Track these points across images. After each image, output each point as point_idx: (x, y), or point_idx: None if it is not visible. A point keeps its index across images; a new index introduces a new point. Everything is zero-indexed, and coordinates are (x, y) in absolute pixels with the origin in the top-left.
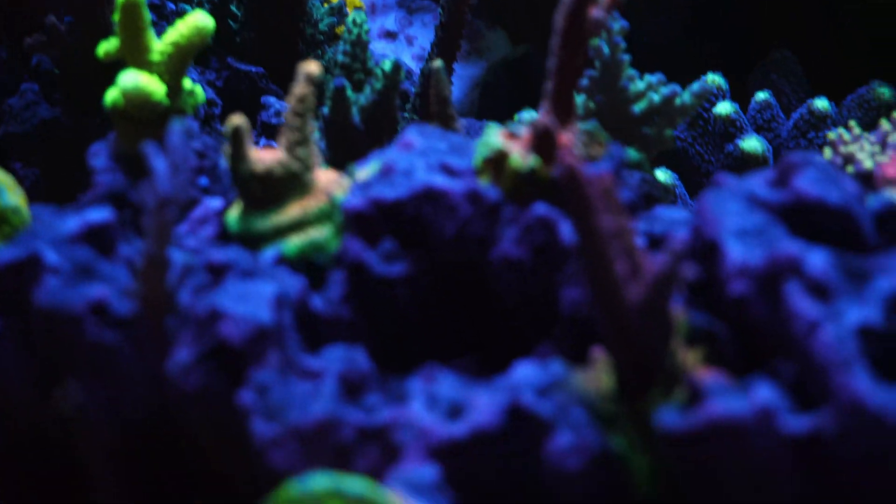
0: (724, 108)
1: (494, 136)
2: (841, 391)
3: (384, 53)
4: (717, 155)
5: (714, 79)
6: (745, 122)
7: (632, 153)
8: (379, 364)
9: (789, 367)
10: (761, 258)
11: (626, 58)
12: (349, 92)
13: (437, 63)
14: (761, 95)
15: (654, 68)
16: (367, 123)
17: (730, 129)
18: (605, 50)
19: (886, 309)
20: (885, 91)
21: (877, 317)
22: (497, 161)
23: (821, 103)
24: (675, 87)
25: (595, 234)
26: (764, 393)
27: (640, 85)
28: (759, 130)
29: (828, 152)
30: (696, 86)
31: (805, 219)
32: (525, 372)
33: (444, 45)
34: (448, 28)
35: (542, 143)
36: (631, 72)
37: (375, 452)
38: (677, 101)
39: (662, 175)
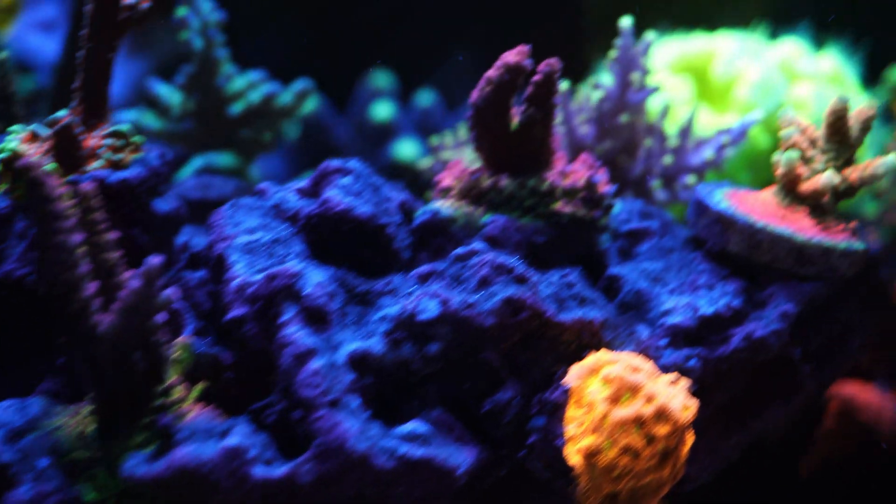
0: (382, 110)
1: (14, 139)
2: (324, 433)
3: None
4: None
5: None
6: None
7: (226, 158)
8: None
9: (282, 403)
10: (261, 278)
11: (224, 53)
12: None
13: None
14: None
15: None
16: None
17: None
18: (198, 43)
19: (390, 336)
20: None
21: (378, 346)
22: (12, 165)
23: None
24: (275, 87)
25: (57, 250)
26: (237, 436)
27: (239, 83)
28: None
29: (427, 159)
30: (297, 85)
31: (334, 231)
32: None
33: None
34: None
35: (63, 146)
36: (229, 68)
37: None
38: (277, 101)
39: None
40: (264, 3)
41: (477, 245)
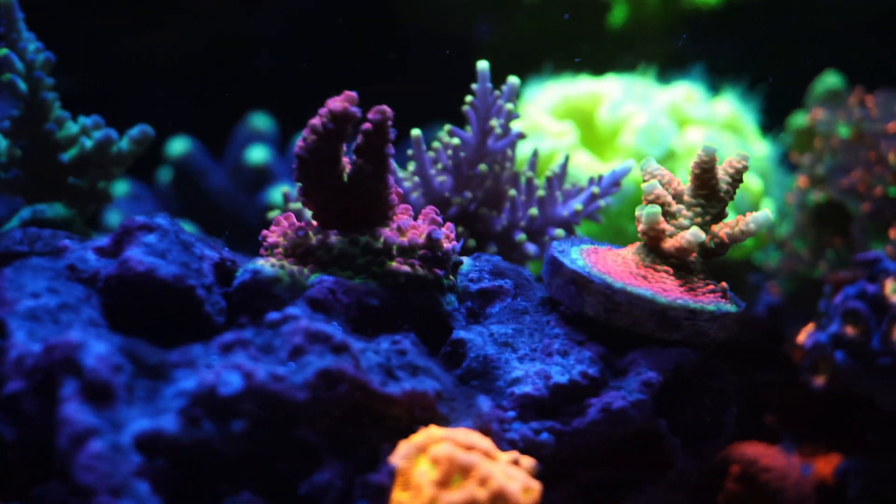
0: (257, 154)
1: None
2: None
3: None
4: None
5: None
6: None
7: (56, 209)
8: None
9: (61, 488)
10: (40, 349)
11: (53, 96)
12: None
13: None
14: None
15: None
16: None
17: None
18: (21, 86)
19: (187, 413)
20: None
21: (172, 424)
22: None
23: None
24: (111, 132)
25: None
26: None
27: (72, 128)
28: None
29: (274, 211)
30: (135, 130)
31: (136, 295)
32: None
33: None
34: None
35: None
36: (60, 113)
37: None
38: (113, 147)
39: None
40: (145, 46)
41: (293, 310)
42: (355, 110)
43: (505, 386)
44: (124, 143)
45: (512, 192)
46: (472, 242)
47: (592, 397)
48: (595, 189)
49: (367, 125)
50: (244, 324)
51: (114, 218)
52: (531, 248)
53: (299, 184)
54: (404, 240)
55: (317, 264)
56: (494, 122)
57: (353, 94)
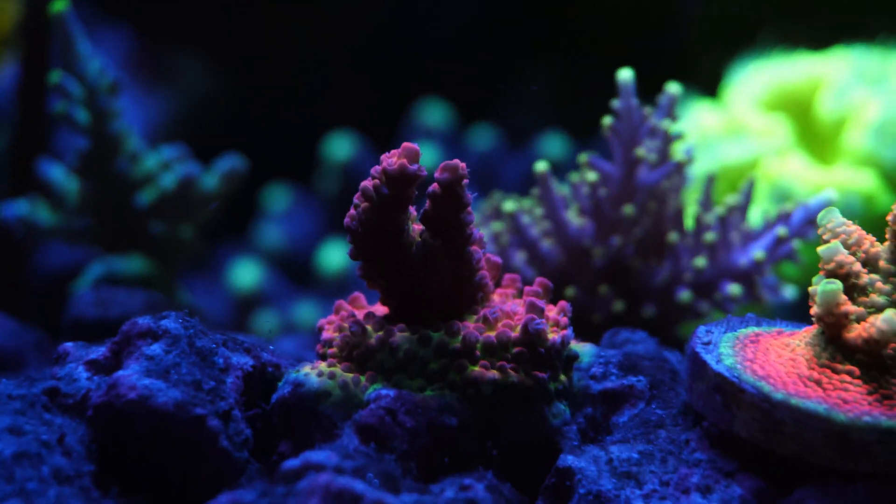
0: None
1: None
2: None
3: None
4: None
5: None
6: None
7: (133, 263)
8: None
9: None
10: None
11: (123, 126)
12: None
13: None
14: None
15: None
16: None
17: None
18: (81, 117)
19: None
20: None
21: None
22: None
23: None
24: (192, 167)
25: None
26: None
27: (148, 164)
28: None
29: None
30: (223, 163)
31: (129, 430)
32: None
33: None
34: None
35: None
36: (134, 145)
37: None
38: (198, 185)
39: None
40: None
41: (316, 455)
42: (416, 169)
43: None
44: (211, 180)
45: (672, 235)
46: (618, 306)
47: None
48: (782, 230)
49: (434, 187)
50: (295, 453)
51: (271, 234)
52: (705, 307)
53: (359, 262)
54: (491, 335)
55: (378, 370)
56: (641, 151)
57: (414, 146)
